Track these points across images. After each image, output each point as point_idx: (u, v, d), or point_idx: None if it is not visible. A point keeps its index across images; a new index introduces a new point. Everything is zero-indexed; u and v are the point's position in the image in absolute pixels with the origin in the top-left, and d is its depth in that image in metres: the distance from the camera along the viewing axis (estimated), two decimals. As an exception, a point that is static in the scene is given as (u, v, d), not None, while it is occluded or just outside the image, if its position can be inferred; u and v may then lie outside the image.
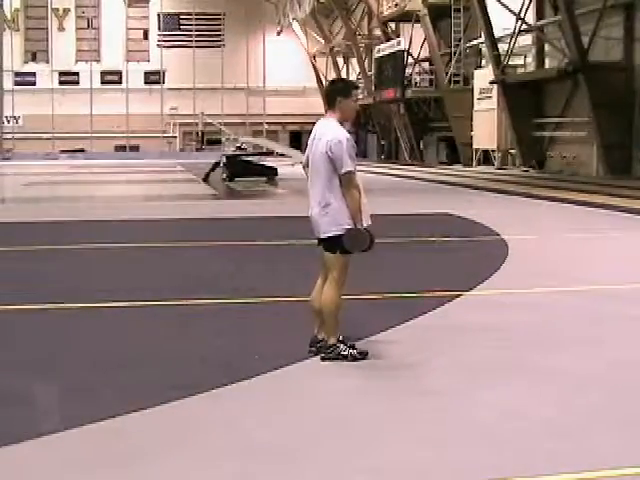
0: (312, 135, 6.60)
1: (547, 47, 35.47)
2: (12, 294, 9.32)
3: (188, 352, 6.76)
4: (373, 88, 52.10)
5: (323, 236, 6.40)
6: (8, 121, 64.77)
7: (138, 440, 4.82)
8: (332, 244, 6.37)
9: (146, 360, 6.56)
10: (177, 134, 68.37)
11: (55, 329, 7.76)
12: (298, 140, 64.10)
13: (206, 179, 32.00)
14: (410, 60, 47.09)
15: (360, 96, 58.12)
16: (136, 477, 4.32)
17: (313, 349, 6.52)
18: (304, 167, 6.74)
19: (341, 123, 6.47)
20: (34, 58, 67.60)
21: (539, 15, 35.26)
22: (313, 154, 6.47)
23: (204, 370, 6.27)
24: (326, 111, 6.60)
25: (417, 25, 45.27)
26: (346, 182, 6.32)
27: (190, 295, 9.13)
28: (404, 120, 48.70)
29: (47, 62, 66.83)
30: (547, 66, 35.47)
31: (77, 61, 67.56)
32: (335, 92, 6.55)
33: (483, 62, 41.09)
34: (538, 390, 5.71)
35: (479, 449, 4.64)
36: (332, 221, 6.32)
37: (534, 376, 6.04)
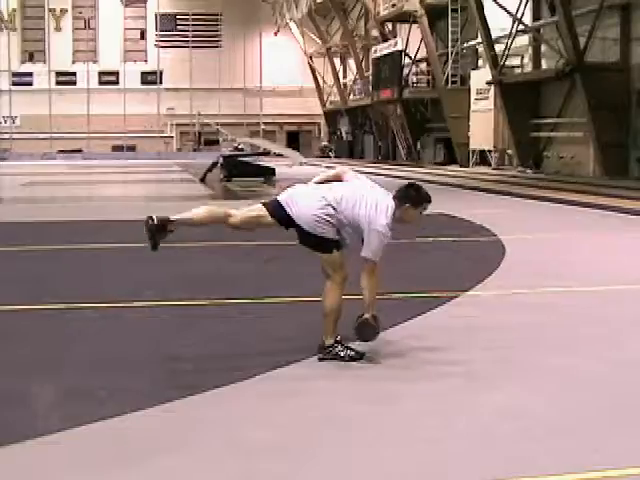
0: (367, 182, 6.55)
1: (544, 48, 35.49)
2: (12, 294, 9.33)
3: (187, 352, 6.78)
4: (370, 88, 52.10)
5: (310, 230, 6.33)
6: (5, 121, 64.77)
7: (139, 440, 4.85)
8: (324, 243, 6.36)
9: (146, 360, 6.58)
10: (174, 134, 68.33)
11: (55, 329, 7.77)
12: (295, 140, 64.14)
13: (203, 179, 32.00)
14: (407, 60, 47.12)
15: (361, 96, 58.38)
16: (137, 477, 4.34)
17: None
18: (332, 178, 6.66)
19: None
20: (31, 58, 67.53)
21: (536, 16, 35.30)
22: (359, 193, 6.34)
23: (203, 370, 6.28)
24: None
25: (414, 26, 45.29)
26: (369, 269, 6.28)
27: (188, 295, 9.15)
28: (401, 120, 48.71)
29: (44, 62, 66.76)
30: (544, 67, 35.52)
31: (74, 61, 67.50)
32: (407, 199, 6.37)
33: (480, 62, 41.12)
34: (538, 390, 5.74)
35: (480, 449, 4.66)
36: (325, 228, 6.33)
37: (534, 376, 6.07)
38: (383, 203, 6.30)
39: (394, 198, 6.37)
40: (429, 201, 6.46)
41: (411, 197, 6.39)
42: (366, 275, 6.28)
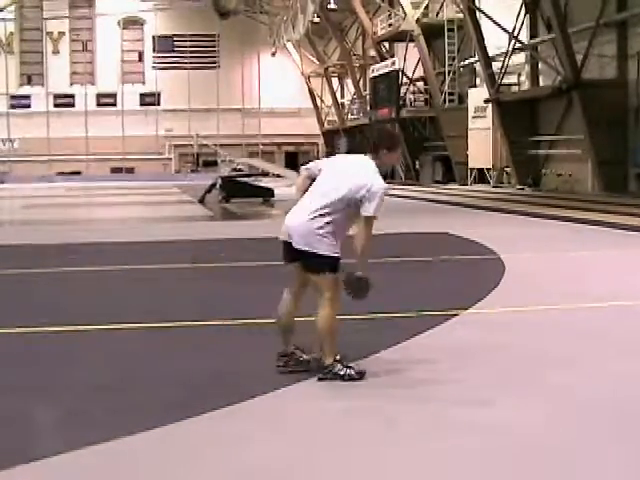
0: (338, 159, 6.79)
1: (541, 65, 35.59)
2: (10, 316, 9.28)
3: (184, 374, 6.72)
4: (368, 108, 52.21)
5: (309, 250, 6.34)
6: (4, 144, 64.90)
7: (137, 464, 4.79)
8: (320, 263, 6.34)
9: (142, 382, 6.53)
10: (173, 156, 68.43)
11: (52, 351, 7.72)
12: (294, 161, 64.18)
13: (202, 200, 32.03)
14: (405, 80, 47.25)
15: (359, 115, 58.51)
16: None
17: (281, 364, 6.57)
18: (306, 176, 6.67)
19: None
20: (29, 81, 67.74)
21: (532, 34, 35.40)
22: (339, 174, 6.42)
23: (201, 392, 6.24)
24: (349, 149, 6.61)
25: (411, 45, 45.44)
26: (369, 224, 6.28)
27: (186, 317, 9.10)
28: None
29: (42, 85, 66.98)
30: (541, 84, 35.61)
31: (72, 84, 67.72)
32: (382, 144, 6.53)
33: (477, 81, 41.22)
34: (538, 409, 5.69)
35: (480, 469, 4.62)
36: (323, 243, 6.30)
37: (533, 395, 6.02)
38: (368, 166, 6.42)
39: (371, 152, 6.51)
40: (400, 141, 6.95)
41: (386, 143, 6.56)
42: (367, 229, 6.28)
